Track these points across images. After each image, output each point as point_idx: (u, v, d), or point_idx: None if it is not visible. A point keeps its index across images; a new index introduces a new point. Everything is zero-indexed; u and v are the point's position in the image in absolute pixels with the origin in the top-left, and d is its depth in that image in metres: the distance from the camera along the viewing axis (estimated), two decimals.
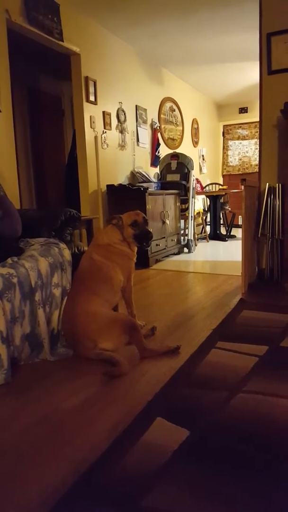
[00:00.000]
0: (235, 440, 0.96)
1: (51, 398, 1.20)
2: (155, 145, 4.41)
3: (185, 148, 5.18)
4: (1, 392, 1.25)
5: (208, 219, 5.09)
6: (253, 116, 6.00)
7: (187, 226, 4.18)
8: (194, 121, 5.60)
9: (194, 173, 4.31)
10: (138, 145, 4.09)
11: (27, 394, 1.24)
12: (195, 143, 5.69)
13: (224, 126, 6.65)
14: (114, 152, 3.68)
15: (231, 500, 0.77)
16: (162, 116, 4.62)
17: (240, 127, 6.50)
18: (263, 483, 0.81)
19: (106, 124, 3.52)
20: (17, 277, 1.39)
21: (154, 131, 4.41)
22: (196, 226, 4.49)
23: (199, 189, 5.06)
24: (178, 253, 3.95)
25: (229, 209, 5.40)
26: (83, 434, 1.02)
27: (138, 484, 0.82)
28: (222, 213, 5.31)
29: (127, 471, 0.86)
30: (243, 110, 6.36)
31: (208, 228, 5.02)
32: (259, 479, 0.82)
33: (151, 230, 1.64)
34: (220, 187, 5.62)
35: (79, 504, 0.78)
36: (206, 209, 5.22)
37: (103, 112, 3.49)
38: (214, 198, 4.93)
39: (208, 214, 5.08)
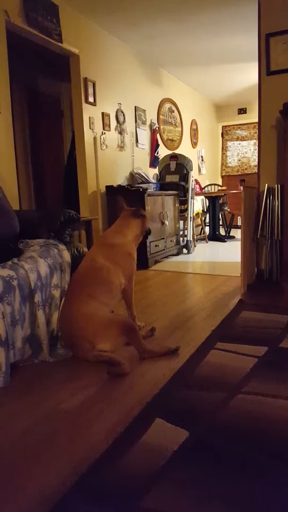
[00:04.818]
0: (234, 441, 0.96)
1: (50, 399, 1.20)
2: (154, 146, 4.42)
3: (184, 149, 5.19)
4: (1, 393, 1.25)
5: (207, 220, 5.10)
6: (252, 117, 6.02)
7: (186, 227, 4.18)
8: (193, 122, 5.61)
9: (193, 174, 4.31)
10: (137, 146, 4.09)
11: (26, 395, 1.24)
12: (194, 144, 5.70)
13: (223, 127, 6.67)
14: (113, 153, 3.68)
15: (231, 501, 0.77)
16: (161, 117, 4.62)
17: (239, 128, 6.52)
18: (263, 484, 0.81)
19: (105, 125, 3.52)
20: (17, 279, 1.39)
21: (153, 132, 4.41)
22: (195, 227, 4.49)
23: (198, 190, 5.06)
24: (177, 254, 3.96)
25: (228, 210, 5.41)
26: (83, 435, 1.02)
27: (137, 485, 0.81)
28: (221, 214, 5.32)
29: (126, 472, 0.86)
30: (242, 111, 6.37)
31: (207, 229, 5.02)
32: (259, 480, 0.82)
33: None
34: (219, 188, 5.63)
35: (78, 505, 0.78)
36: (205, 210, 5.22)
37: (102, 113, 3.49)
38: (213, 199, 4.93)
39: (207, 215, 5.08)
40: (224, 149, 6.70)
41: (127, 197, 3.36)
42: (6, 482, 0.86)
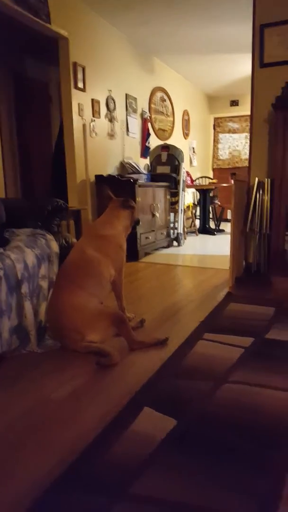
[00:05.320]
0: (221, 429, 0.98)
1: (39, 389, 1.20)
2: (145, 135, 4.36)
3: (176, 140, 5.14)
4: None
5: (198, 213, 5.11)
6: (244, 109, 6.01)
7: (176, 219, 4.18)
8: (185, 113, 5.55)
9: (185, 166, 4.29)
10: (128, 134, 4.03)
11: (14, 386, 1.22)
12: (186, 135, 5.66)
13: (215, 118, 6.63)
14: (103, 141, 3.61)
15: (217, 487, 0.79)
16: (152, 106, 4.55)
17: (231, 120, 6.50)
18: (249, 471, 0.84)
19: (95, 112, 3.44)
20: (3, 270, 1.36)
21: (144, 121, 4.34)
22: (186, 219, 4.50)
23: (189, 182, 5.05)
24: (168, 246, 3.96)
25: (218, 203, 5.43)
26: (72, 424, 1.02)
27: (126, 472, 0.83)
28: (211, 207, 5.34)
29: (115, 460, 0.87)
30: (234, 103, 6.34)
31: (197, 222, 5.04)
32: (245, 467, 0.85)
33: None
34: (210, 180, 5.64)
35: (67, 493, 0.78)
36: (196, 203, 5.23)
37: (92, 99, 3.40)
38: (204, 192, 4.94)
39: (198, 208, 5.09)
40: (215, 141, 6.68)
41: (117, 188, 3.35)
42: None
